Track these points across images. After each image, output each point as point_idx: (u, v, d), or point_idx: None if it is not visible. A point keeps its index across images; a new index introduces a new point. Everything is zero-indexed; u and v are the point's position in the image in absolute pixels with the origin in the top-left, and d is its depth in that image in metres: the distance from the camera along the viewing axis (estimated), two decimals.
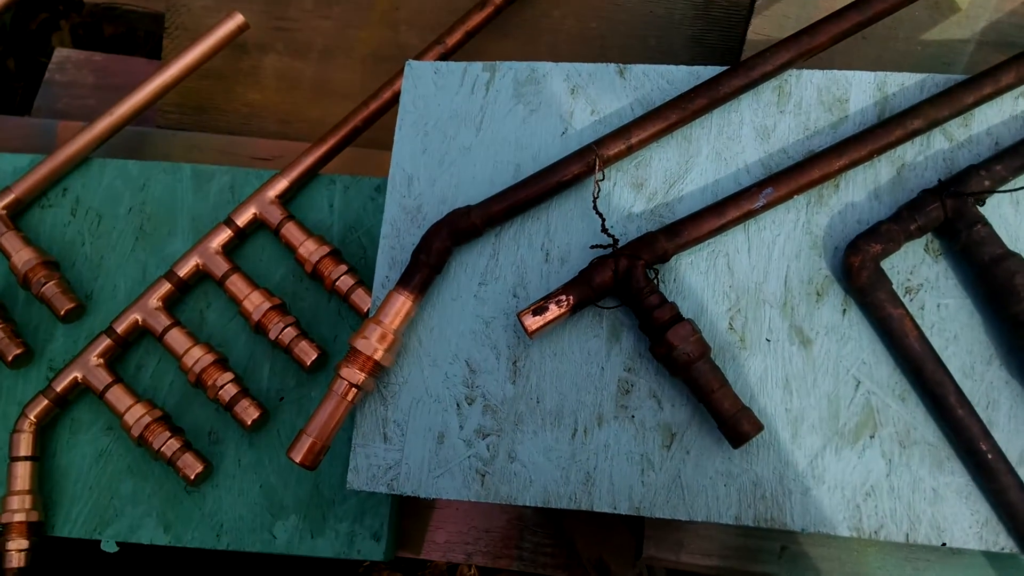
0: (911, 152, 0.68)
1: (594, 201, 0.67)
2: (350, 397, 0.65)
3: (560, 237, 0.69)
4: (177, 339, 0.79)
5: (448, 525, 0.83)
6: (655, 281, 0.66)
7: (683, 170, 0.70)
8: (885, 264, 0.66)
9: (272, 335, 0.79)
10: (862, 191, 0.67)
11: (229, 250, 0.83)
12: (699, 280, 0.67)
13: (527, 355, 0.67)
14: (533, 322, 0.64)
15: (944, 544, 0.61)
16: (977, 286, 0.64)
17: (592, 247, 0.67)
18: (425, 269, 0.67)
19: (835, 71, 0.70)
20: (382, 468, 0.67)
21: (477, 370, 0.68)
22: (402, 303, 0.67)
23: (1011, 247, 0.64)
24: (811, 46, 0.68)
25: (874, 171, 0.68)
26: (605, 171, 0.70)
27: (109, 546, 0.77)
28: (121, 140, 0.98)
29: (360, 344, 0.66)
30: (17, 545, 0.74)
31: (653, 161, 0.70)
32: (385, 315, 0.66)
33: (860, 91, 0.69)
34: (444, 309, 0.69)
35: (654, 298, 0.64)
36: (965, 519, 0.61)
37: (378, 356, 0.65)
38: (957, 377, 0.63)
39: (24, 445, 0.77)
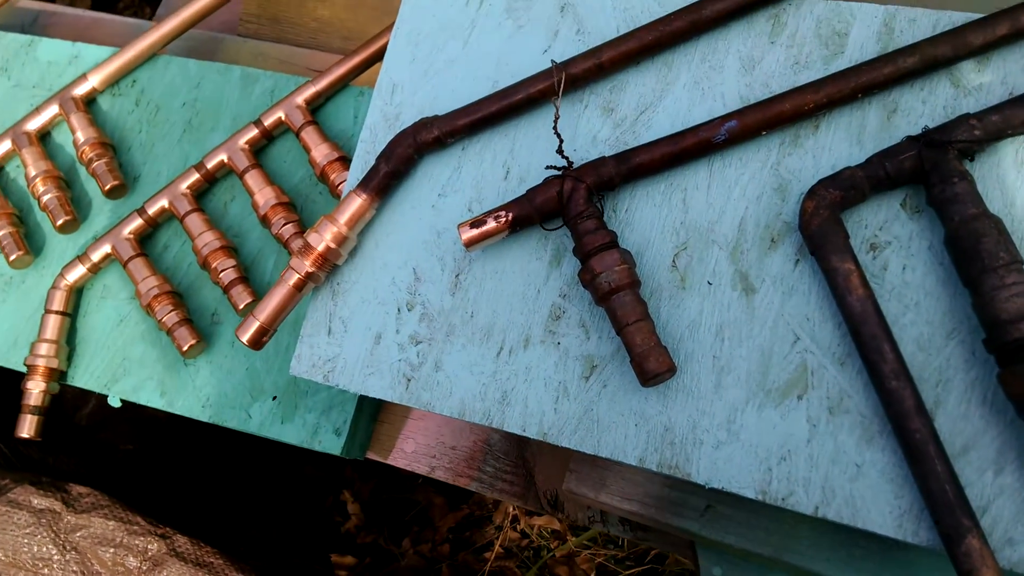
0: (908, 97, 0.60)
1: (555, 121, 0.65)
2: (295, 284, 0.68)
3: (523, 156, 0.68)
4: (195, 223, 0.85)
5: (418, 437, 0.85)
6: (599, 207, 0.63)
7: (657, 97, 0.66)
8: (854, 216, 0.59)
9: (274, 229, 0.83)
10: (844, 135, 0.61)
11: (257, 149, 0.89)
12: (651, 213, 0.64)
13: (470, 270, 0.67)
14: (469, 234, 0.64)
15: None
16: (946, 249, 0.56)
17: (547, 167, 0.66)
18: (384, 174, 0.69)
19: (839, 1, 0.63)
20: (321, 359, 0.69)
21: (422, 278, 0.68)
22: (359, 204, 0.68)
23: (1003, 212, 0.57)
24: None
25: (861, 114, 0.61)
26: (581, 93, 0.68)
27: (114, 401, 0.85)
28: (201, 43, 1.06)
29: (311, 238, 0.68)
30: (36, 385, 0.84)
31: (628, 86, 0.67)
32: (340, 213, 0.69)
33: (863, 25, 0.62)
34: (402, 216, 0.70)
35: (591, 223, 0.61)
36: (886, 503, 0.55)
37: (323, 250, 0.67)
38: (910, 349, 0.57)
39: (58, 301, 0.86)
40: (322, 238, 0.68)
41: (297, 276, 0.68)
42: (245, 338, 0.69)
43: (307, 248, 0.68)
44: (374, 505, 1.50)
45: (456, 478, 0.83)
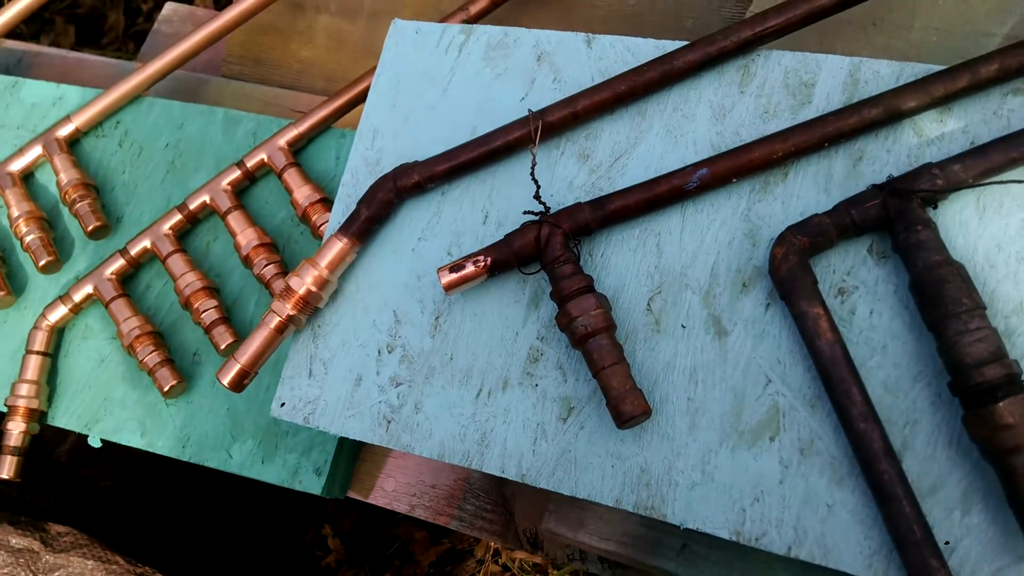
0: (873, 146, 0.62)
1: (531, 168, 0.67)
2: (276, 327, 0.69)
3: (501, 202, 0.70)
4: (177, 263, 0.86)
5: (398, 475, 0.86)
6: (576, 252, 0.65)
7: (631, 144, 0.68)
8: (822, 262, 0.61)
9: (256, 270, 0.84)
10: (811, 183, 0.63)
11: (239, 190, 0.90)
12: (626, 258, 0.66)
13: (450, 312, 0.68)
14: (448, 278, 0.65)
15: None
16: (911, 294, 0.58)
17: (524, 213, 0.67)
18: (365, 218, 0.70)
19: (807, 53, 0.65)
20: (303, 401, 0.70)
21: (402, 321, 0.69)
22: (340, 248, 0.70)
23: (966, 258, 0.58)
24: (778, 23, 0.64)
25: (828, 162, 0.63)
26: (557, 140, 0.70)
27: (94, 441, 0.85)
28: (184, 84, 1.07)
29: (292, 281, 0.69)
30: (17, 426, 0.84)
31: (603, 134, 0.69)
32: (322, 257, 0.70)
33: (829, 76, 0.64)
34: (383, 259, 0.71)
35: (567, 268, 0.63)
36: (856, 543, 0.56)
37: (304, 293, 0.68)
38: (878, 391, 0.58)
39: (39, 341, 0.86)
40: (303, 282, 0.69)
41: (278, 319, 0.69)
42: (226, 381, 0.69)
43: (288, 291, 0.69)
44: (355, 540, 1.49)
45: (436, 516, 0.83)
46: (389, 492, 0.86)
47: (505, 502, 0.83)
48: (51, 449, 1.24)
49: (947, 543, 0.54)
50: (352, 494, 0.86)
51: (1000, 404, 0.51)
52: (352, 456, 0.87)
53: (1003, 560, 0.54)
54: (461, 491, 0.84)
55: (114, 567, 1.04)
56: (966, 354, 0.53)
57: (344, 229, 0.70)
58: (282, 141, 0.89)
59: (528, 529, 0.82)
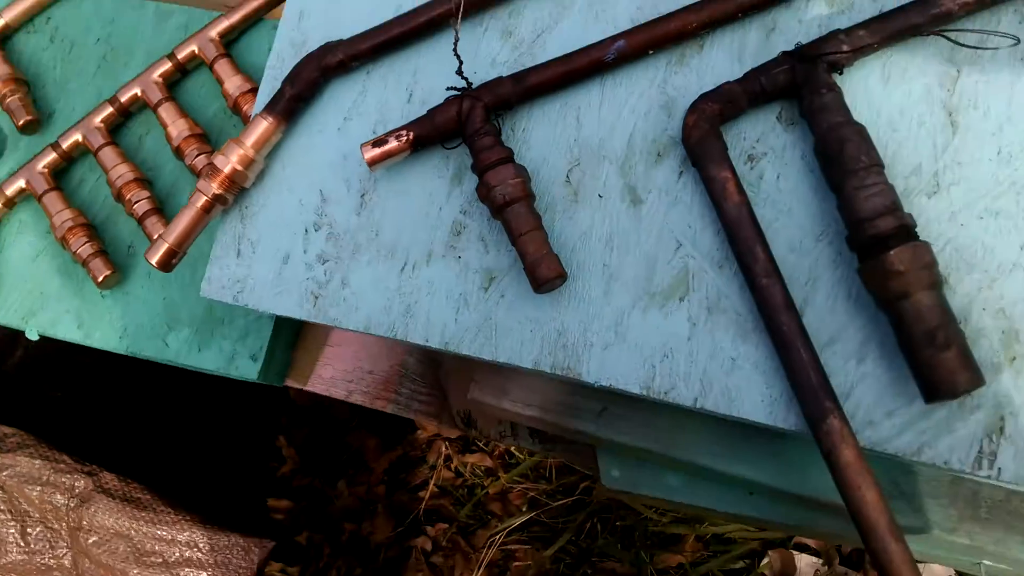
0: (786, 16, 0.64)
1: (454, 44, 0.67)
2: (202, 207, 0.69)
3: (425, 79, 0.70)
4: (109, 156, 0.86)
5: (336, 363, 0.88)
6: (497, 126, 0.66)
7: (553, 21, 0.68)
8: (733, 130, 0.63)
9: (187, 160, 0.84)
10: (726, 54, 0.64)
11: (171, 83, 0.89)
12: (547, 132, 0.67)
13: (375, 190, 0.69)
14: (371, 153, 0.66)
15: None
16: (815, 157, 0.60)
17: (447, 89, 0.68)
18: (290, 97, 0.70)
19: None
20: (231, 280, 0.71)
21: (328, 199, 0.70)
22: (265, 127, 0.70)
23: (870, 122, 0.60)
24: None
25: (743, 33, 0.64)
26: (480, 17, 0.70)
27: (31, 334, 0.86)
28: None
29: (217, 160, 0.69)
30: None
31: (526, 10, 0.69)
32: (247, 136, 0.70)
33: None
34: (309, 139, 0.72)
35: (487, 140, 0.64)
36: (758, 393, 0.59)
37: (229, 172, 0.69)
38: (782, 251, 0.60)
39: None
40: (228, 160, 0.69)
41: (204, 198, 0.69)
42: (154, 260, 0.70)
43: (213, 170, 0.69)
44: (308, 449, 1.52)
45: (373, 401, 0.85)
46: (327, 379, 0.87)
47: (439, 385, 0.86)
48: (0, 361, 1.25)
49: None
50: (290, 382, 0.87)
51: (891, 252, 0.53)
52: (289, 345, 0.88)
53: (895, 403, 0.57)
54: (397, 376, 0.86)
55: (61, 465, 1.05)
56: (862, 208, 0.55)
57: (269, 108, 0.70)
58: (213, 33, 0.88)
59: (461, 410, 0.85)
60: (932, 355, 0.52)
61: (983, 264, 0.57)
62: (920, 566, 1.38)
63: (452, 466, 1.48)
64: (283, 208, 0.71)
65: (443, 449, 1.47)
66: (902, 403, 0.57)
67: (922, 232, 0.58)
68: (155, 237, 0.69)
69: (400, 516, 1.48)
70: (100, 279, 0.82)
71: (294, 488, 1.50)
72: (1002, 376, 0.56)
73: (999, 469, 0.55)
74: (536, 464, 1.45)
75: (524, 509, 1.45)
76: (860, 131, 0.57)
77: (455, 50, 0.67)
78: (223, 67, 0.86)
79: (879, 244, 0.55)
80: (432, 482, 1.46)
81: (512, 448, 1.43)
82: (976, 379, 0.52)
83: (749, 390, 0.59)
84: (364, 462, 1.50)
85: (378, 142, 0.66)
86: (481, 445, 1.51)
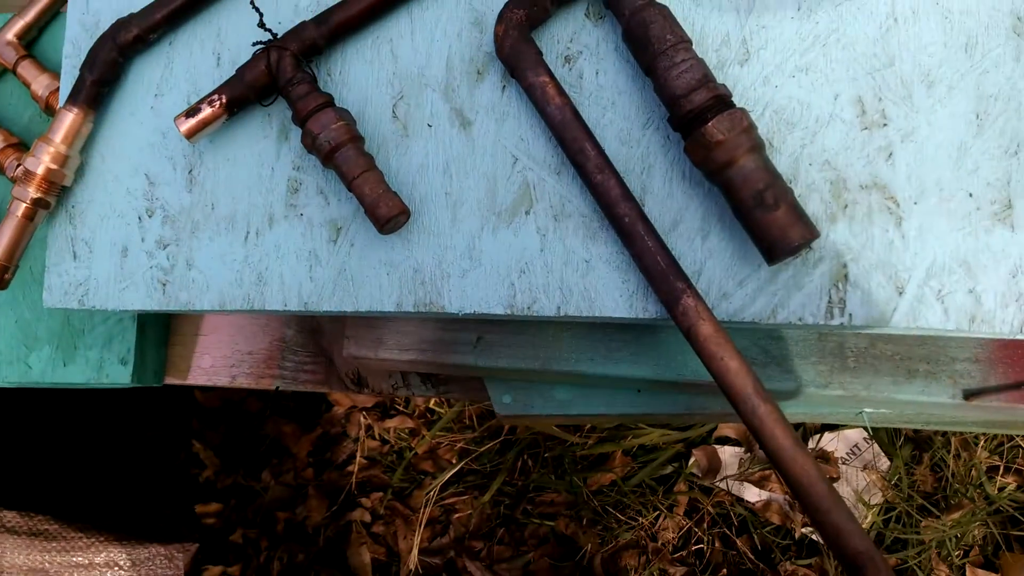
0: None
1: None
2: (23, 215, 0.66)
3: (231, 40, 0.67)
4: None
5: (213, 351, 0.85)
6: (311, 73, 0.63)
7: None
8: (546, 34, 0.62)
9: (9, 174, 0.79)
10: None
11: None
12: (364, 71, 0.65)
13: (202, 163, 0.67)
14: (186, 125, 0.63)
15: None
16: (626, 46, 0.60)
17: (253, 44, 0.65)
18: (91, 83, 0.66)
19: None
20: (73, 285, 0.68)
21: (156, 182, 0.67)
22: (71, 120, 0.66)
23: (672, 1, 0.60)
24: None
25: None
26: None
27: None
28: None
29: (29, 162, 0.66)
30: None
31: None
32: (54, 132, 0.66)
33: None
34: (123, 124, 0.68)
35: (302, 88, 0.62)
36: (616, 288, 0.60)
37: (43, 172, 0.65)
38: (613, 145, 0.60)
39: None
40: (40, 160, 0.65)
41: (23, 205, 0.66)
42: None
43: (27, 174, 0.66)
44: (227, 449, 1.49)
45: (259, 380, 0.84)
46: (207, 369, 0.85)
47: (323, 351, 0.84)
48: None
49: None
50: (170, 379, 0.84)
51: (709, 124, 0.54)
52: (160, 342, 0.85)
53: (743, 272, 0.58)
54: (278, 351, 0.84)
55: None
56: (676, 86, 0.56)
57: (72, 98, 0.66)
58: (9, 35, 0.83)
59: (349, 371, 0.83)
60: (763, 216, 0.53)
61: (802, 121, 0.59)
62: (831, 435, 1.44)
63: (375, 434, 1.47)
64: (111, 200, 0.68)
65: (362, 420, 1.46)
66: (750, 270, 0.58)
67: (739, 100, 0.59)
68: None
69: (333, 495, 1.47)
70: None
71: (220, 490, 1.47)
72: (838, 225, 0.58)
73: (850, 315, 0.57)
74: (458, 415, 1.45)
75: (454, 461, 1.46)
76: (662, 11, 0.57)
77: (252, 2, 0.64)
78: (27, 69, 0.81)
79: (697, 119, 0.55)
80: (358, 454, 1.45)
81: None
82: (809, 231, 0.53)
83: (607, 288, 0.60)
84: (285, 449, 1.48)
85: (191, 112, 0.63)
86: (401, 408, 1.50)
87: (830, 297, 0.58)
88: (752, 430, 0.54)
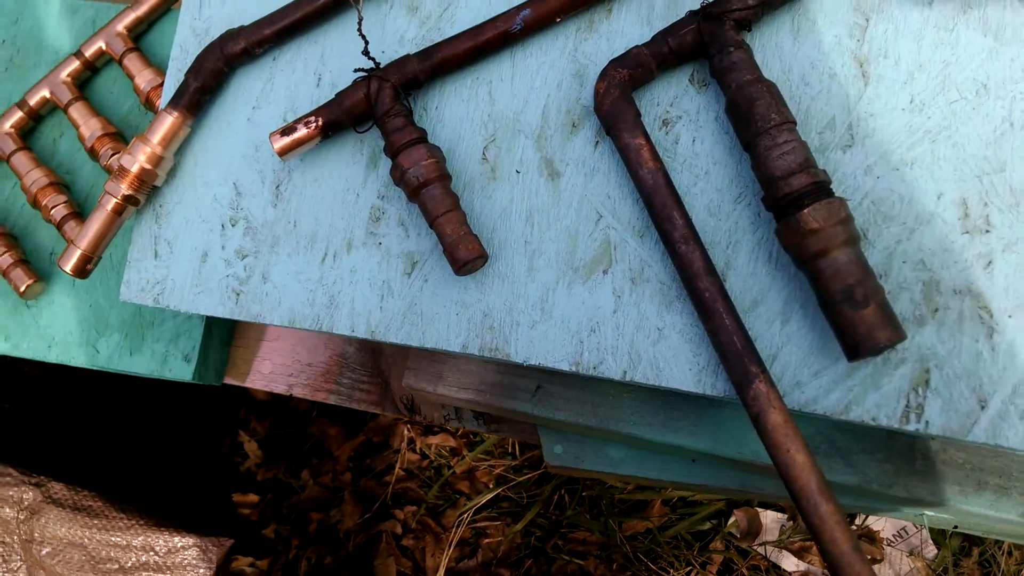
0: None
1: (359, 24, 0.65)
2: (113, 209, 0.67)
3: (333, 62, 0.68)
4: (22, 162, 0.83)
5: (274, 357, 0.86)
6: (407, 106, 0.64)
7: None
8: (647, 95, 0.62)
9: (103, 161, 0.81)
10: (635, 17, 0.63)
11: (81, 81, 0.86)
12: (460, 109, 0.65)
13: (290, 180, 0.67)
14: (281, 143, 0.64)
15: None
16: (728, 117, 0.59)
17: (355, 71, 0.66)
18: (194, 89, 0.68)
19: None
20: (150, 283, 0.69)
21: (243, 193, 0.68)
22: (170, 123, 0.67)
23: (782, 79, 0.59)
24: None
25: None
26: None
27: None
28: None
29: (124, 160, 0.67)
30: None
31: None
32: (153, 133, 0.67)
33: None
34: (219, 132, 0.69)
35: (398, 121, 0.62)
36: (686, 361, 0.59)
37: (137, 171, 0.66)
38: (702, 215, 0.59)
39: None
40: (135, 159, 0.67)
41: (114, 200, 0.67)
42: (68, 267, 0.68)
43: (122, 171, 0.67)
44: (271, 442, 1.51)
45: (314, 393, 0.84)
46: (266, 374, 0.86)
47: (380, 373, 0.84)
48: None
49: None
50: (229, 380, 0.86)
51: (805, 211, 0.53)
52: (224, 342, 0.87)
53: (821, 363, 0.57)
54: (337, 366, 0.85)
55: (7, 479, 1.03)
56: (774, 167, 0.55)
57: (174, 102, 0.68)
58: (120, 26, 0.85)
59: (404, 396, 0.83)
60: (851, 312, 0.52)
61: (901, 216, 0.57)
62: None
63: (416, 448, 1.48)
64: (198, 205, 0.69)
65: (406, 432, 1.47)
66: (828, 362, 0.57)
67: (839, 187, 0.58)
68: (68, 244, 0.67)
69: (367, 502, 1.48)
70: (22, 289, 0.80)
71: (259, 482, 1.49)
72: (925, 328, 0.56)
73: (927, 422, 0.55)
74: (500, 441, 1.44)
75: (491, 486, 1.45)
76: (770, 88, 0.56)
77: (359, 30, 0.65)
78: (133, 62, 0.83)
79: (793, 203, 0.54)
80: (397, 466, 1.46)
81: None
82: (896, 334, 0.52)
83: (677, 359, 0.59)
84: (327, 451, 1.49)
85: (287, 130, 0.64)
86: (446, 426, 1.50)
87: (908, 401, 0.56)
88: (811, 528, 0.53)
